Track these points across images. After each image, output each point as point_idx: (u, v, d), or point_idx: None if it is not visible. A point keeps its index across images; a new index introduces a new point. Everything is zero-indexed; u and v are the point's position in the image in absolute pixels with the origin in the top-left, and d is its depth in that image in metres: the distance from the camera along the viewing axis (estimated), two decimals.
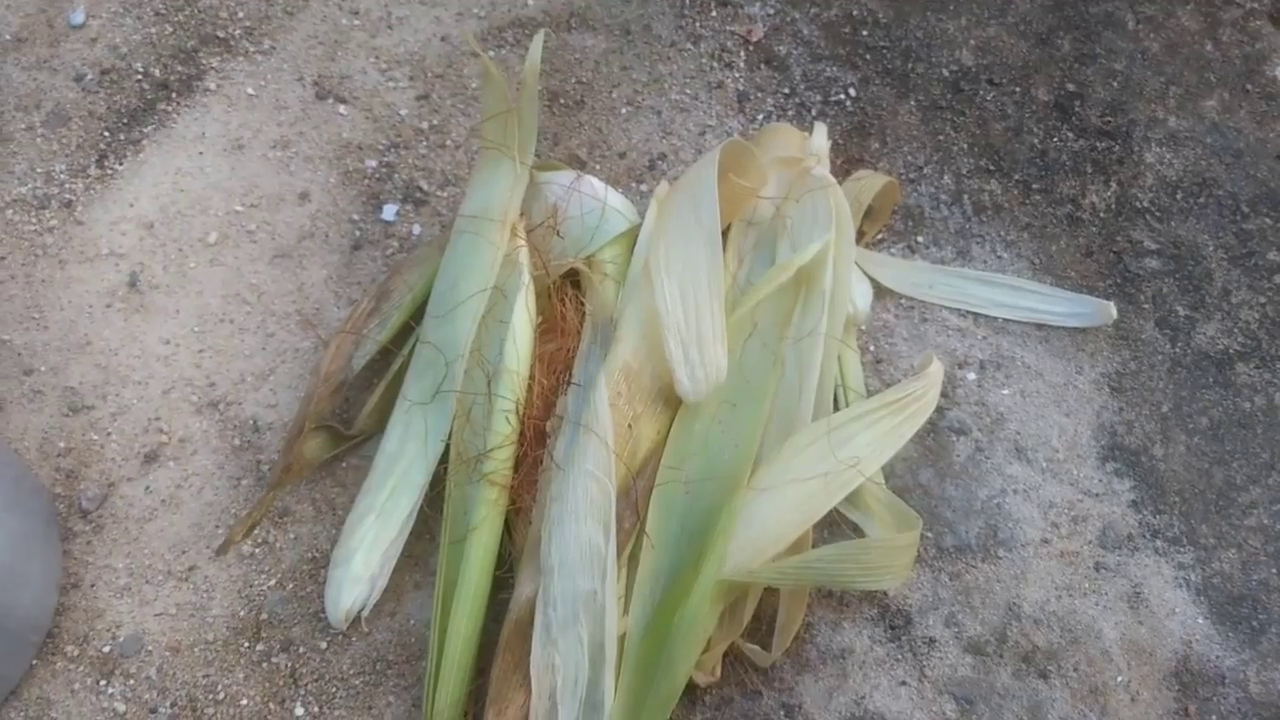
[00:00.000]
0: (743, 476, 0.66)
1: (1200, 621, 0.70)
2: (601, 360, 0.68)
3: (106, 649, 0.68)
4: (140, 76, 0.85)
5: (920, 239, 0.82)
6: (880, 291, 0.80)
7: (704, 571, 0.63)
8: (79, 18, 0.87)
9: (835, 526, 0.70)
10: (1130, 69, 0.89)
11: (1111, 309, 0.77)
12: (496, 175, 0.71)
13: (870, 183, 0.78)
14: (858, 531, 0.69)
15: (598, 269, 0.73)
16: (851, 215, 0.74)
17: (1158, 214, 0.83)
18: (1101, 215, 0.83)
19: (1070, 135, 0.86)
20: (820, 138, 0.77)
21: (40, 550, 0.68)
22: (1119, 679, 0.68)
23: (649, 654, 0.62)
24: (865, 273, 0.79)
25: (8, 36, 0.86)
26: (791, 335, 0.70)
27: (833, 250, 0.71)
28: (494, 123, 0.71)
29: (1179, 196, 0.84)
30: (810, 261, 0.70)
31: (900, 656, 0.69)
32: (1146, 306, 0.80)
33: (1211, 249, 0.82)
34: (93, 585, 0.69)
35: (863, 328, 0.78)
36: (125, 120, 0.83)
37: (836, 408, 0.72)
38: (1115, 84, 0.88)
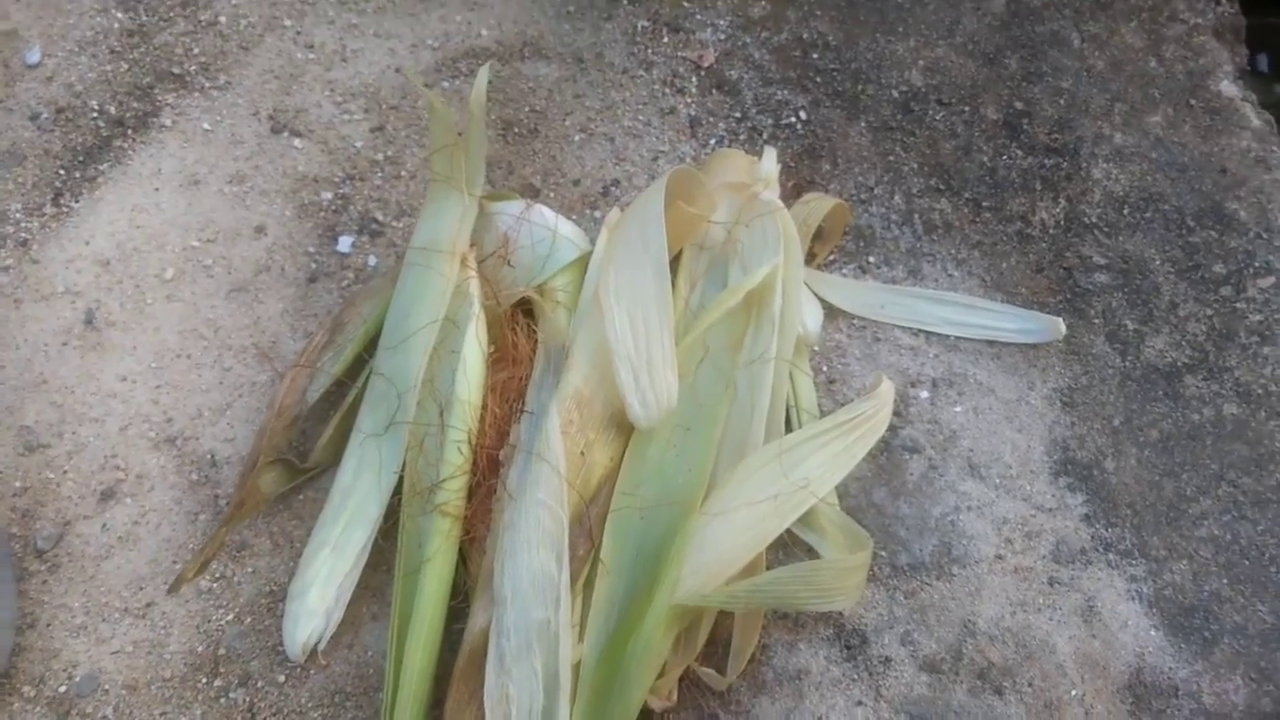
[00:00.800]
0: (696, 501, 0.66)
1: (1153, 633, 0.71)
2: (554, 388, 0.68)
3: (63, 689, 0.68)
4: (96, 114, 0.86)
5: (872, 259, 0.83)
6: (832, 312, 0.80)
7: (658, 597, 0.63)
8: (34, 57, 0.87)
9: (789, 548, 0.70)
10: (1076, 86, 0.90)
11: (1061, 325, 0.78)
12: (445, 207, 0.72)
13: (819, 205, 0.79)
14: (811, 553, 0.70)
15: (549, 297, 0.73)
16: (800, 238, 0.75)
17: (1106, 229, 0.84)
18: (1051, 232, 0.84)
19: (1019, 153, 0.87)
20: (770, 162, 0.78)
21: None
22: (1073, 693, 0.69)
23: (604, 680, 0.62)
24: (816, 294, 0.79)
25: None
26: (743, 359, 0.71)
27: (781, 273, 0.71)
28: (442, 154, 0.71)
29: (1126, 212, 0.85)
30: (760, 285, 0.71)
31: (856, 676, 0.69)
32: (1096, 321, 0.81)
33: (1159, 263, 0.83)
34: (49, 625, 0.69)
35: (815, 349, 0.79)
36: (81, 158, 0.84)
37: (789, 429, 0.72)
38: (1062, 101, 0.89)
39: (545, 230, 0.74)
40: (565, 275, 0.74)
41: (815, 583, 0.64)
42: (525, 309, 0.74)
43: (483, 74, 0.70)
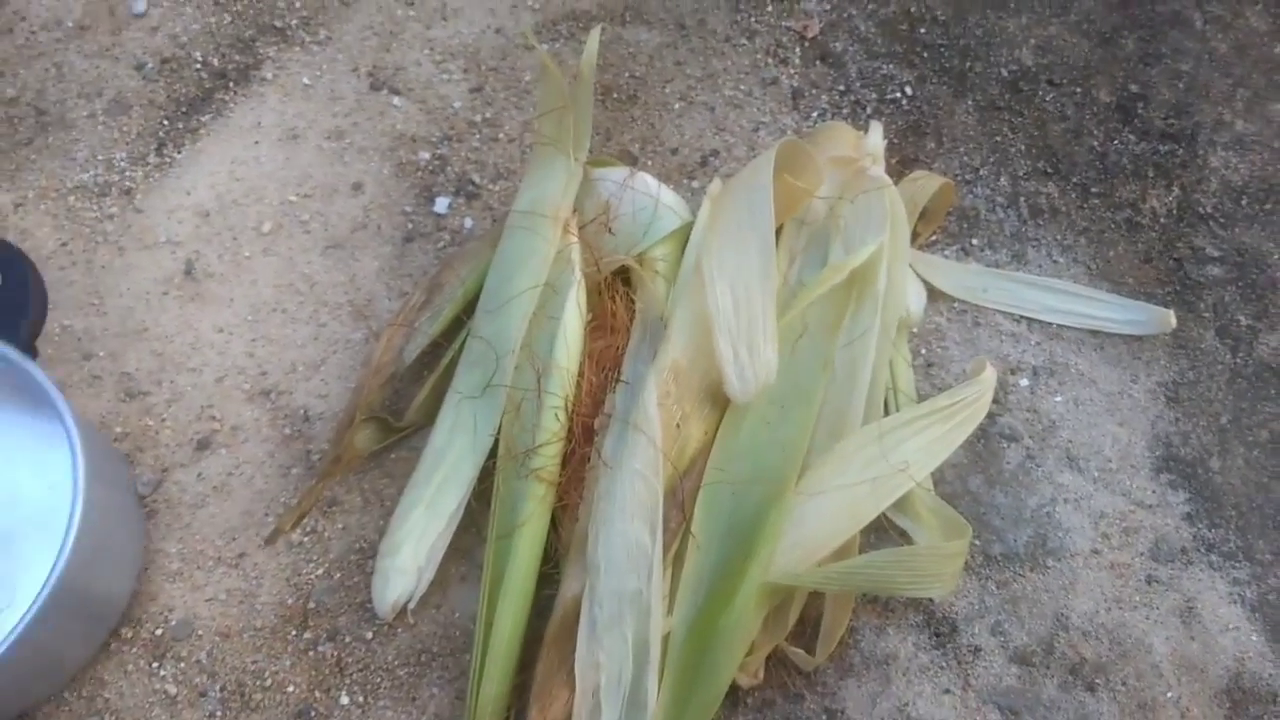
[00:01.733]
0: (790, 479, 0.65)
1: (1254, 639, 0.69)
2: (651, 359, 0.68)
3: (159, 632, 0.69)
4: (199, 65, 0.86)
5: (975, 241, 0.81)
6: (933, 294, 0.79)
7: (749, 574, 0.62)
8: (140, 6, 0.88)
9: (882, 532, 0.69)
10: (1196, 70, 0.87)
11: (1170, 317, 0.76)
12: (550, 171, 0.71)
13: (926, 184, 0.77)
14: (905, 538, 0.69)
15: (649, 266, 0.72)
16: (907, 216, 0.73)
17: (1221, 220, 0.81)
18: (1162, 220, 0.81)
19: (1132, 138, 0.84)
20: (876, 137, 0.76)
21: (126, 523, 0.69)
22: (1169, 694, 0.67)
23: (693, 655, 0.62)
24: (919, 275, 0.78)
25: (70, 24, 0.88)
26: (843, 337, 0.69)
27: (887, 252, 0.70)
28: (548, 118, 0.71)
29: (1244, 202, 0.82)
30: (864, 263, 0.69)
31: (945, 664, 0.68)
32: (1207, 315, 0.78)
33: (1276, 257, 0.80)
34: (146, 569, 0.70)
35: (915, 331, 0.77)
36: (184, 109, 0.84)
37: (887, 412, 0.71)
38: (1180, 85, 0.86)
39: (647, 198, 0.73)
40: (666, 245, 0.73)
41: (911, 568, 0.63)
42: (624, 278, 0.73)
43: (594, 37, 0.69)
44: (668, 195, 0.73)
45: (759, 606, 0.64)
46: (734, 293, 0.66)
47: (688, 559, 0.65)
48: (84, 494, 0.57)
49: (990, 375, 0.70)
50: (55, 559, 0.56)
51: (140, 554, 0.70)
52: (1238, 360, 0.77)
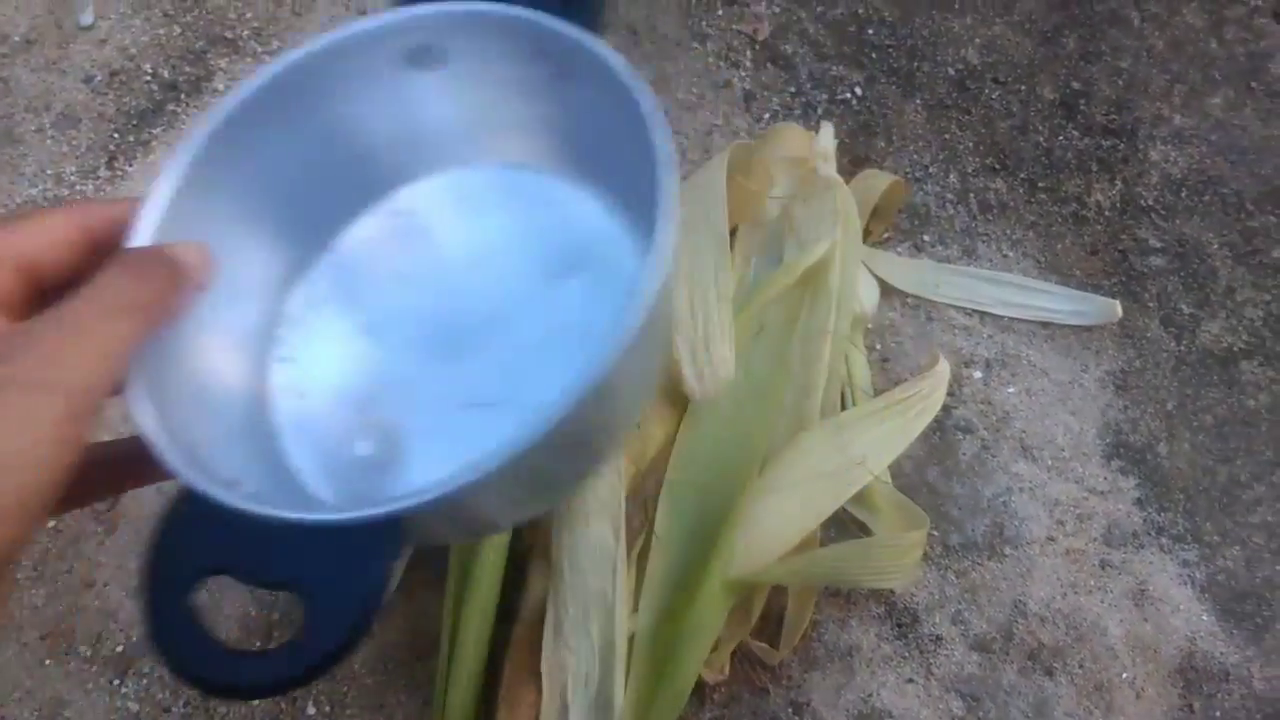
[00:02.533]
0: (750, 476, 0.66)
1: (1205, 619, 0.71)
2: None
3: (119, 649, 0.68)
4: (149, 78, 0.86)
5: (926, 237, 0.83)
6: (886, 290, 0.80)
7: (712, 571, 0.63)
8: (88, 19, 0.87)
9: (842, 525, 0.70)
10: (1135, 67, 0.89)
11: (1116, 307, 0.78)
12: None
13: (876, 181, 0.78)
14: (864, 530, 0.70)
15: None
16: (858, 214, 0.74)
17: (1162, 212, 0.83)
18: (1106, 213, 0.83)
19: (1075, 133, 0.86)
20: (827, 137, 0.77)
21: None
22: (1124, 675, 0.69)
23: (659, 653, 0.63)
24: (872, 272, 0.79)
25: (17, 38, 0.87)
26: (798, 335, 0.70)
27: (839, 250, 0.71)
28: None
29: (1184, 194, 0.84)
30: (817, 261, 0.70)
31: (907, 654, 0.69)
32: (1151, 305, 0.80)
33: (1216, 247, 0.82)
34: (105, 585, 0.70)
35: (869, 326, 0.78)
36: (134, 121, 0.84)
37: (844, 407, 0.72)
38: (1120, 82, 0.88)
39: None
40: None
41: (871, 559, 0.64)
42: None
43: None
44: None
45: (723, 603, 0.64)
46: (690, 294, 0.67)
47: (651, 558, 0.65)
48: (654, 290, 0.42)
49: (944, 368, 0.72)
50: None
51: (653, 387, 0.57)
52: (1181, 348, 0.79)
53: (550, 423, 0.41)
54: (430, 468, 0.48)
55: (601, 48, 0.45)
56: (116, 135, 0.83)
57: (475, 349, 0.54)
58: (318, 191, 0.53)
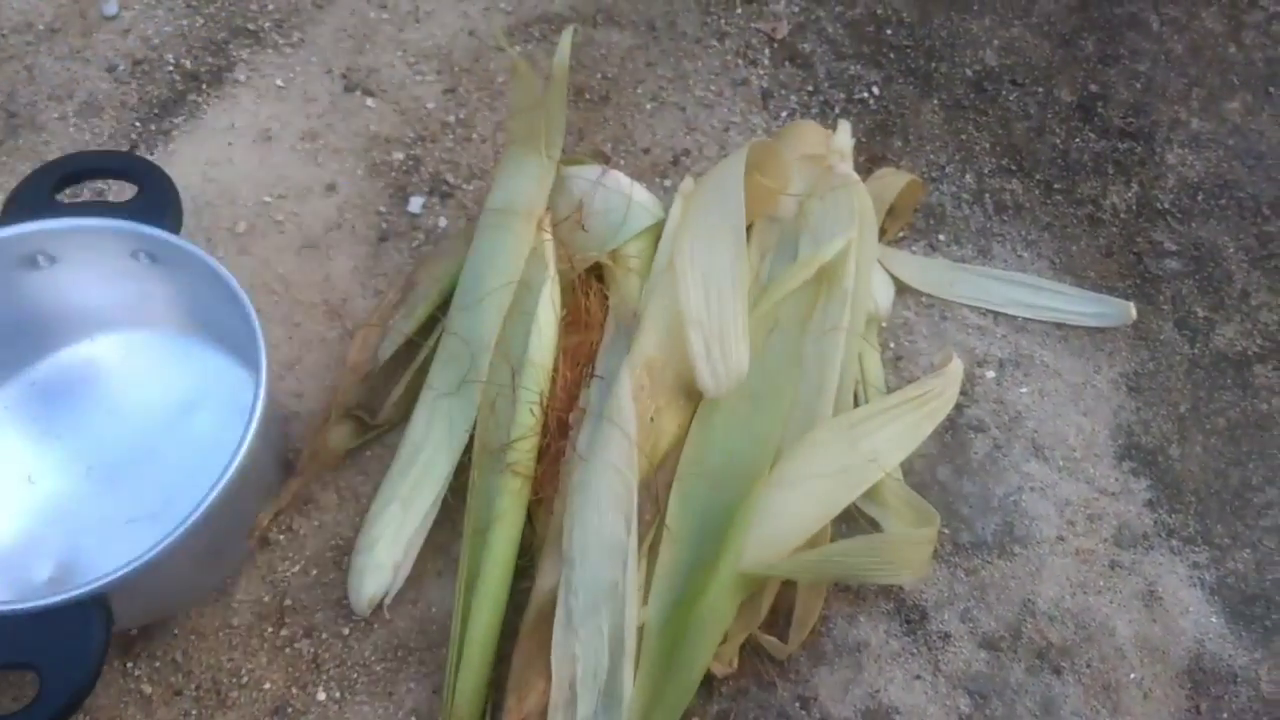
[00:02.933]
0: (763, 470, 0.67)
1: (1213, 620, 0.71)
2: (625, 354, 0.69)
3: (133, 632, 0.69)
4: (171, 68, 0.86)
5: (941, 237, 0.83)
6: (901, 289, 0.80)
7: (724, 564, 0.63)
8: (112, 9, 0.88)
9: (852, 521, 0.71)
10: (1153, 70, 0.89)
11: (1131, 309, 0.78)
12: (523, 169, 0.72)
13: (893, 180, 0.79)
14: (875, 527, 0.70)
15: (622, 263, 0.73)
16: (874, 213, 0.75)
17: (1178, 215, 0.83)
18: (1122, 216, 0.83)
19: (1092, 136, 0.86)
20: (844, 135, 0.78)
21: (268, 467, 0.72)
22: (1132, 676, 0.69)
23: (669, 645, 0.63)
24: (887, 270, 0.79)
25: (41, 26, 0.88)
26: (813, 331, 0.71)
27: (855, 248, 0.71)
28: (522, 117, 0.72)
29: (1200, 198, 0.84)
30: (832, 259, 0.71)
31: (915, 651, 0.69)
32: (1166, 307, 0.80)
33: (1232, 251, 0.82)
34: None
35: (884, 325, 0.79)
36: (156, 111, 0.85)
37: (856, 404, 0.72)
38: (1138, 85, 0.88)
39: (620, 196, 0.74)
40: (639, 242, 0.74)
41: (883, 555, 0.65)
42: (597, 275, 0.74)
43: (566, 37, 0.70)
44: (640, 193, 0.74)
45: (733, 596, 0.65)
46: (706, 289, 0.67)
47: (662, 551, 0.66)
48: (255, 428, 0.60)
49: (957, 367, 0.72)
50: (219, 476, 0.59)
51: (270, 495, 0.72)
52: (1195, 351, 0.79)
53: (186, 521, 0.56)
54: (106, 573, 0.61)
55: (185, 243, 0.62)
56: (139, 124, 0.84)
57: (130, 475, 0.69)
58: None
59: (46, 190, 0.64)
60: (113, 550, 0.61)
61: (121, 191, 0.75)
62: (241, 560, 0.70)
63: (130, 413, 0.71)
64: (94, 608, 0.53)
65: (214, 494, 0.56)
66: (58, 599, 0.53)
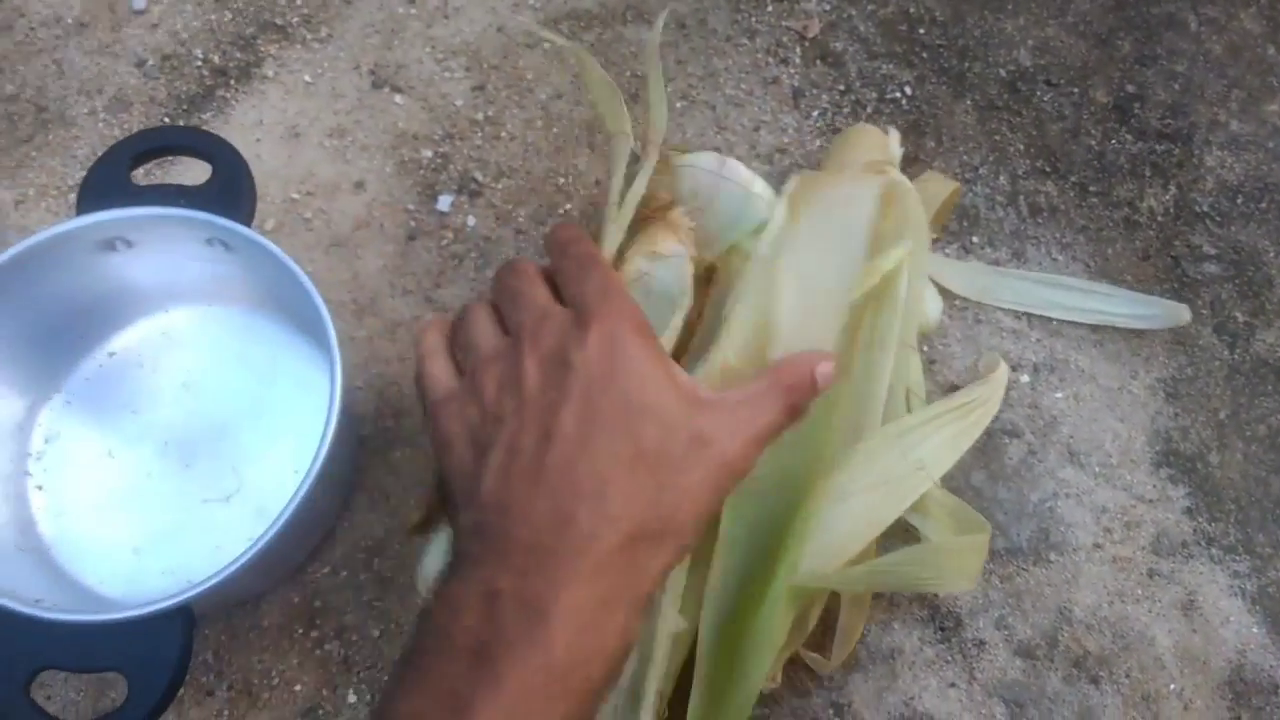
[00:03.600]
0: (815, 482, 0.65)
1: (1255, 631, 0.70)
2: (704, 354, 0.65)
3: None
4: (200, 63, 0.86)
5: (975, 239, 0.82)
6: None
7: (778, 576, 0.62)
8: (140, 3, 0.88)
9: (890, 534, 0.69)
10: (1192, 71, 0.88)
11: (1185, 311, 0.75)
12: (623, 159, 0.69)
13: (938, 187, 0.77)
14: (912, 537, 0.69)
15: (739, 255, 0.69)
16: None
17: (1217, 218, 0.82)
18: (1159, 219, 0.82)
19: (1129, 137, 0.85)
20: (894, 142, 0.76)
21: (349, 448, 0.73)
22: (1171, 686, 0.68)
23: (725, 658, 0.62)
24: (935, 282, 0.77)
25: (70, 21, 0.87)
26: (863, 341, 0.69)
27: (909, 258, 0.69)
28: (609, 109, 0.70)
29: (1240, 201, 0.83)
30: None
31: (950, 658, 0.69)
32: (1204, 312, 0.79)
33: (1272, 255, 0.81)
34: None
35: (929, 335, 0.77)
36: (185, 106, 0.84)
37: (902, 413, 0.71)
38: (1176, 86, 0.87)
39: (737, 188, 0.69)
40: (750, 237, 0.69)
41: (935, 564, 0.63)
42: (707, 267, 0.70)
43: (659, 23, 0.69)
44: (760, 185, 0.70)
45: (787, 609, 0.63)
46: (804, 313, 0.64)
47: (714, 562, 0.64)
48: (336, 419, 0.60)
49: (1003, 372, 0.71)
50: (309, 464, 0.59)
51: (351, 477, 0.74)
52: (1235, 356, 0.78)
53: (286, 513, 0.57)
54: (183, 554, 0.68)
55: (258, 236, 0.63)
56: (167, 119, 0.84)
57: (205, 454, 0.71)
58: (41, 346, 0.69)
59: (124, 169, 0.65)
60: (189, 532, 0.68)
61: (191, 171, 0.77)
62: (317, 546, 0.72)
63: (205, 387, 0.73)
64: (178, 615, 0.55)
65: (291, 505, 0.57)
66: (144, 611, 0.55)
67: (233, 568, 0.56)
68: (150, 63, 0.86)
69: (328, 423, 0.59)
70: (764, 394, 0.52)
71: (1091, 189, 0.83)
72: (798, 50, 0.88)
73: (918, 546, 0.65)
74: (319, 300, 0.62)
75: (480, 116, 0.85)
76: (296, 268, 0.63)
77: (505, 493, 0.48)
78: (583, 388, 0.49)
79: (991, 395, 0.69)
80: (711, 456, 0.49)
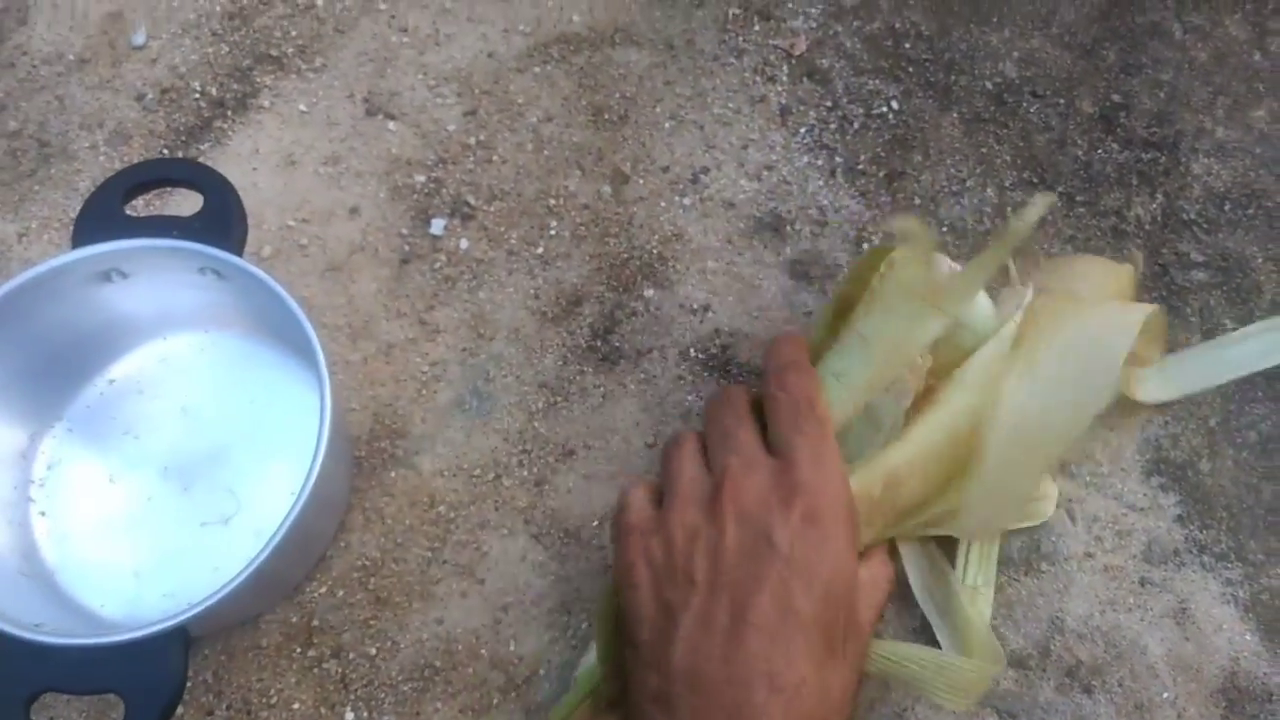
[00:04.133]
0: None
1: (1248, 638, 0.70)
2: (868, 443, 0.61)
3: None
4: (198, 95, 0.88)
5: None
6: None
7: None
8: (140, 39, 0.90)
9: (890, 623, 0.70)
10: (1177, 79, 0.88)
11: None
12: (911, 319, 0.60)
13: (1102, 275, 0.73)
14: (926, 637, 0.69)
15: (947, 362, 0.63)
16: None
17: (1205, 226, 0.82)
18: (1147, 227, 0.83)
19: (1115, 147, 0.86)
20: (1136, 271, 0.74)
21: (344, 467, 0.74)
22: (1165, 695, 0.68)
23: None
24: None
25: (71, 57, 0.89)
26: None
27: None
28: (909, 266, 0.61)
29: (1227, 208, 0.83)
30: None
31: None
32: (1193, 319, 0.79)
33: (1260, 261, 0.81)
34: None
35: None
36: (183, 138, 0.86)
37: None
38: (1162, 95, 0.87)
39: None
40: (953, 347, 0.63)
41: (941, 677, 0.61)
42: None
43: (1040, 203, 0.55)
44: (983, 299, 0.64)
45: None
46: (1021, 444, 0.60)
47: None
48: (326, 441, 0.61)
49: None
50: (301, 485, 0.60)
51: (346, 498, 0.75)
52: None
53: (279, 535, 0.58)
54: (183, 577, 0.69)
55: (248, 265, 0.65)
56: (166, 151, 0.85)
57: (203, 478, 0.72)
58: (43, 376, 0.71)
59: (117, 202, 0.67)
60: (189, 555, 0.70)
61: (187, 201, 0.77)
62: (314, 567, 0.73)
63: (203, 412, 0.74)
64: (174, 636, 0.56)
65: (285, 527, 0.59)
66: (140, 634, 0.56)
67: (227, 589, 0.57)
68: (150, 96, 0.88)
69: (318, 444, 0.61)
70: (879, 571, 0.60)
71: (1079, 199, 0.84)
72: (785, 68, 0.89)
73: (931, 652, 0.63)
74: (308, 324, 0.64)
75: (472, 141, 0.86)
76: (285, 294, 0.64)
77: (695, 670, 0.48)
78: (781, 574, 0.49)
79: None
80: (864, 641, 0.56)
